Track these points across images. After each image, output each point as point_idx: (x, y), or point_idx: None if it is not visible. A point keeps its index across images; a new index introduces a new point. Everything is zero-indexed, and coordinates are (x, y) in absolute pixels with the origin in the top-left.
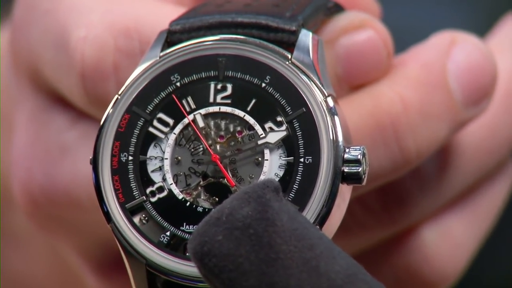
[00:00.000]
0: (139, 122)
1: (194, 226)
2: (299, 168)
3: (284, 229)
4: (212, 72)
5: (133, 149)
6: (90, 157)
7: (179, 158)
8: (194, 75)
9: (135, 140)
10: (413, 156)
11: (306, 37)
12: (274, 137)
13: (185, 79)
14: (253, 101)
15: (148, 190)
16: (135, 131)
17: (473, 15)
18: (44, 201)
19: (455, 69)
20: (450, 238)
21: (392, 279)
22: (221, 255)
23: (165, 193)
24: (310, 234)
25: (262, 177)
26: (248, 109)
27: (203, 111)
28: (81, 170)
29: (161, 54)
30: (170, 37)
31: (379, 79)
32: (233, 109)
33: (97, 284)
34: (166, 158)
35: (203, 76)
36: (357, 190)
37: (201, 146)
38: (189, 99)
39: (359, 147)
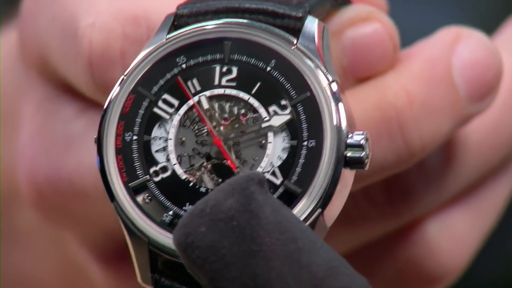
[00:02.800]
0: (144, 103)
1: None
2: (302, 151)
3: (267, 222)
4: (217, 55)
5: (137, 129)
6: (95, 137)
7: (183, 139)
8: (199, 58)
9: (139, 120)
10: (417, 149)
11: (311, 23)
12: (278, 120)
13: (191, 61)
14: (258, 84)
15: (151, 170)
16: (140, 111)
17: (474, 18)
18: (50, 191)
19: (460, 64)
20: (454, 233)
21: (395, 272)
22: (204, 246)
23: (168, 173)
24: (293, 227)
25: (265, 159)
26: (253, 92)
27: (208, 93)
28: (87, 160)
29: (168, 36)
30: (177, 21)
31: (384, 72)
32: (238, 91)
33: (101, 275)
34: (170, 139)
35: (209, 59)
36: (361, 180)
37: (205, 127)
38: (194, 81)
39: (362, 132)
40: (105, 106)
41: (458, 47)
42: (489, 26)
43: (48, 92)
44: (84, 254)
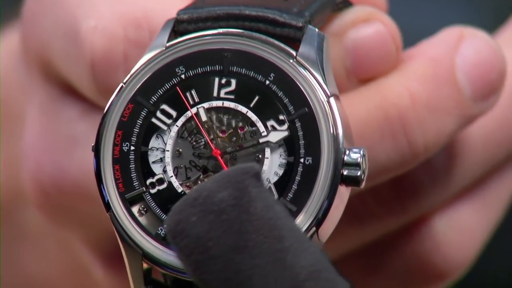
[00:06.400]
0: (142, 112)
1: None
2: (299, 168)
3: (257, 218)
4: (217, 66)
5: (135, 139)
6: (92, 144)
7: (180, 150)
8: (199, 69)
9: (137, 130)
10: (421, 150)
11: (312, 33)
12: (275, 136)
13: (190, 72)
14: (257, 98)
15: (148, 181)
16: (138, 121)
17: (479, 17)
18: (54, 191)
19: (464, 64)
20: (461, 227)
21: (403, 268)
22: (192, 236)
23: (164, 185)
24: (282, 225)
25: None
26: (251, 105)
27: (206, 105)
28: (90, 161)
29: (168, 44)
30: (177, 26)
31: (387, 72)
32: (236, 104)
33: (104, 275)
34: (168, 150)
35: (208, 70)
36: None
37: (202, 140)
38: (193, 92)
39: (359, 149)
40: (103, 114)
41: (461, 47)
42: (490, 27)
43: (51, 93)
44: (87, 254)
